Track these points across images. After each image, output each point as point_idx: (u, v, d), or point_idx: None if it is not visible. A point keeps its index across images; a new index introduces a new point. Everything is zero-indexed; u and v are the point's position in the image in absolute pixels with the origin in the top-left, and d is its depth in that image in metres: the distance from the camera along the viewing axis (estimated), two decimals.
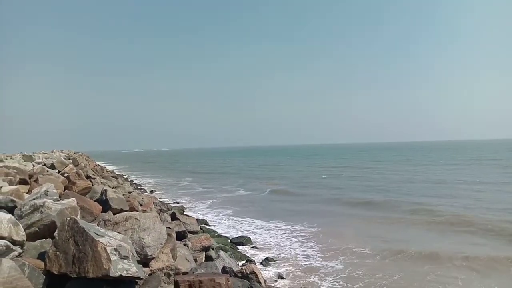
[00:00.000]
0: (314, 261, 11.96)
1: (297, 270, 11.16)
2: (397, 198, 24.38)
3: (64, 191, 10.12)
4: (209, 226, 17.23)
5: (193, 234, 12.30)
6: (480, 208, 19.81)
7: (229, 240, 14.25)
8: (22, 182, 10.89)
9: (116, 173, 43.71)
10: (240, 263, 11.11)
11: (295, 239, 14.60)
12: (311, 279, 10.34)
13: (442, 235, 14.99)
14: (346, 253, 12.57)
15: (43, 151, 41.70)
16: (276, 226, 17.07)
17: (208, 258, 9.99)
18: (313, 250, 13.05)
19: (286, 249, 13.34)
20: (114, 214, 7.85)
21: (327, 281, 10.22)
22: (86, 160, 40.91)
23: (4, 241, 4.63)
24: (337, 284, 10.00)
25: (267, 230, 16.48)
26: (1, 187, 8.10)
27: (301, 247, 13.46)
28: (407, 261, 11.71)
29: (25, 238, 5.20)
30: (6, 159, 19.76)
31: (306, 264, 11.64)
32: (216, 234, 15.32)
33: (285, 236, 15.24)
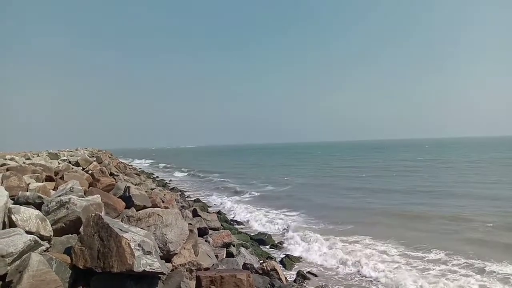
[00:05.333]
0: (337, 261, 11.74)
1: (319, 268, 11.09)
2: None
3: (88, 188, 10.36)
4: (230, 222, 17.29)
5: (214, 230, 12.38)
6: None
7: (249, 237, 14.27)
8: (48, 179, 11.22)
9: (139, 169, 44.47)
10: (261, 260, 11.12)
11: (320, 238, 14.38)
12: (330, 279, 10.25)
13: None
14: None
15: (68, 149, 42.83)
16: (300, 224, 16.86)
17: (229, 255, 10.02)
18: (334, 250, 12.88)
19: (310, 247, 13.19)
20: (137, 210, 7.97)
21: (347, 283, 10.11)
22: (109, 157, 41.74)
23: (32, 236, 4.77)
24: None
25: (289, 227, 16.36)
26: (29, 184, 8.37)
27: (325, 246, 13.29)
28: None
29: (52, 233, 5.35)
30: (33, 157, 20.38)
31: (327, 264, 11.49)
32: (237, 231, 15.36)
33: (309, 234, 15.08)
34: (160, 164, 70.68)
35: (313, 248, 12.70)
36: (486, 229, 14.52)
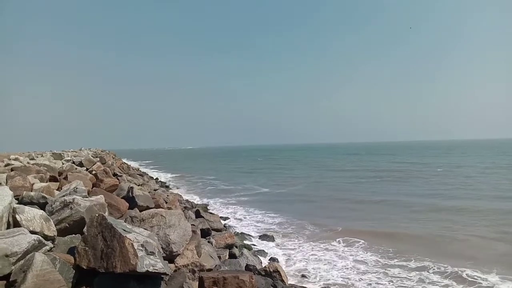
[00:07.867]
0: (339, 262, 11.75)
1: (321, 269, 11.06)
2: None
3: (92, 188, 10.40)
4: (233, 223, 17.29)
5: (217, 231, 12.39)
6: None
7: (252, 238, 14.26)
8: (52, 179, 11.27)
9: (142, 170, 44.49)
10: (264, 261, 11.11)
11: (319, 240, 14.38)
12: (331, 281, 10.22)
13: None
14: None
15: (71, 150, 43.02)
16: (302, 226, 16.84)
17: (232, 256, 10.04)
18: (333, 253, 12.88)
19: (309, 249, 13.20)
20: (140, 211, 8.00)
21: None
22: (113, 158, 41.85)
23: (36, 235, 4.80)
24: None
25: (292, 229, 16.34)
26: (33, 184, 8.41)
27: (324, 248, 13.31)
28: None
29: (56, 233, 5.39)
30: (37, 157, 20.50)
31: (331, 266, 11.47)
32: (240, 232, 15.36)
33: (310, 236, 15.07)
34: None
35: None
36: (473, 240, 14.02)
